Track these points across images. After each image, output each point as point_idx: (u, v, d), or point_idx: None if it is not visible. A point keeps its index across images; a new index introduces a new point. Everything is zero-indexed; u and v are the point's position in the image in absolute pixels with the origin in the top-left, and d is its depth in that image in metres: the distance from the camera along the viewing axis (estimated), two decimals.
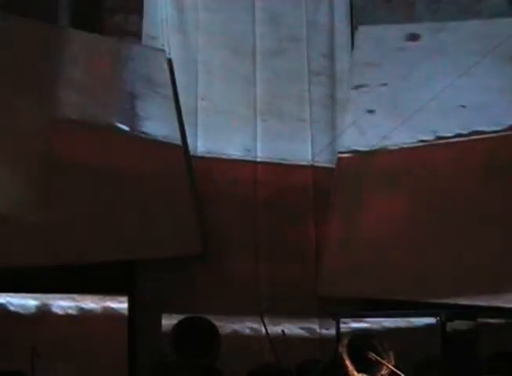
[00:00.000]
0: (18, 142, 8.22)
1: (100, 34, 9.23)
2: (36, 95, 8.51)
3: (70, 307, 8.26)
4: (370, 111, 9.08)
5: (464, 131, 8.85)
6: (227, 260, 9.02)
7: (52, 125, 8.51)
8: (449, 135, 8.91)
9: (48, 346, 7.83)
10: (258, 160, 9.22)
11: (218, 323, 8.17)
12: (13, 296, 8.13)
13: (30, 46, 8.58)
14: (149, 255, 8.56)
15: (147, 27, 9.46)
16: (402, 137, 8.87)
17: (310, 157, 9.29)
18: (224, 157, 9.24)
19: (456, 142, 8.81)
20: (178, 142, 9.03)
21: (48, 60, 8.75)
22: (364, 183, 8.92)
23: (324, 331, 8.85)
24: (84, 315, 8.28)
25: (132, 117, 8.90)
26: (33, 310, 8.22)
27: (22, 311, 8.19)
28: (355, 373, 6.36)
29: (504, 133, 8.72)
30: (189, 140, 9.20)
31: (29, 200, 8.19)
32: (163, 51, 9.38)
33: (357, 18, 9.61)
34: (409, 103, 8.85)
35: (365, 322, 8.46)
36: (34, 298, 8.19)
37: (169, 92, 9.20)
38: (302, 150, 9.28)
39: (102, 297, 8.29)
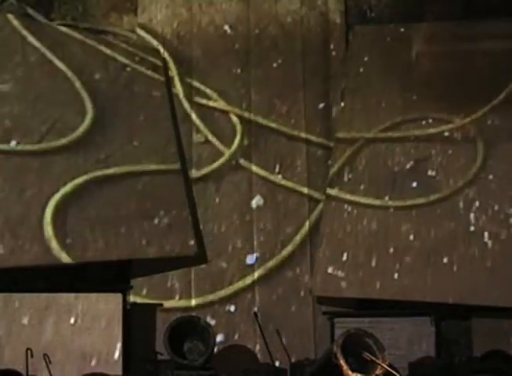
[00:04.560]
0: None
1: (95, 34, 9.32)
2: None
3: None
4: None
5: None
6: None
7: None
8: None
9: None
10: None
11: None
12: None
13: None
14: (145, 255, 8.56)
15: (142, 27, 9.55)
16: None
17: None
18: None
19: None
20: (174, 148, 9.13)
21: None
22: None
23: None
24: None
25: (127, 120, 8.97)
26: None
27: None
28: (350, 372, 6.17)
29: None
30: None
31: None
32: (157, 51, 9.46)
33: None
34: None
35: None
36: None
37: (164, 91, 9.29)
38: None
39: (96, 295, 8.27)
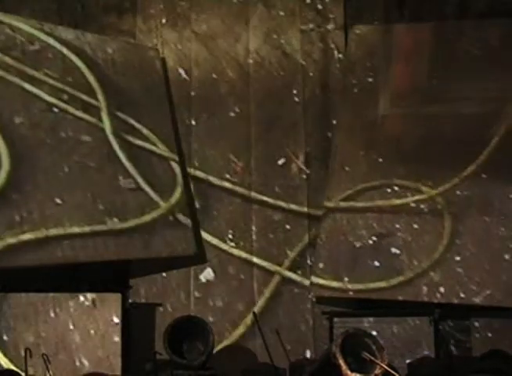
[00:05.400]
0: None
1: (94, 33, 8.96)
2: None
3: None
4: None
5: None
6: None
7: None
8: None
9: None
10: None
11: None
12: None
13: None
14: (144, 255, 8.28)
15: (141, 26, 9.25)
16: None
17: None
18: None
19: None
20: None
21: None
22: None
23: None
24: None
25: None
26: None
27: None
28: (349, 372, 6.13)
29: None
30: None
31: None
32: (156, 50, 9.15)
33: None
34: None
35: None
36: None
37: (163, 91, 8.96)
38: None
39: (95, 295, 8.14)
